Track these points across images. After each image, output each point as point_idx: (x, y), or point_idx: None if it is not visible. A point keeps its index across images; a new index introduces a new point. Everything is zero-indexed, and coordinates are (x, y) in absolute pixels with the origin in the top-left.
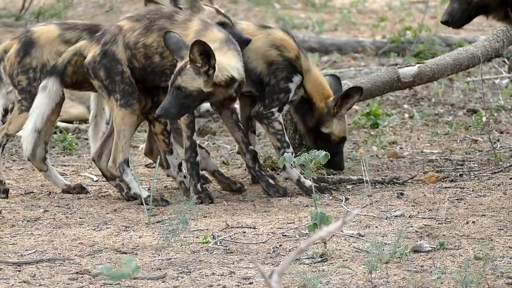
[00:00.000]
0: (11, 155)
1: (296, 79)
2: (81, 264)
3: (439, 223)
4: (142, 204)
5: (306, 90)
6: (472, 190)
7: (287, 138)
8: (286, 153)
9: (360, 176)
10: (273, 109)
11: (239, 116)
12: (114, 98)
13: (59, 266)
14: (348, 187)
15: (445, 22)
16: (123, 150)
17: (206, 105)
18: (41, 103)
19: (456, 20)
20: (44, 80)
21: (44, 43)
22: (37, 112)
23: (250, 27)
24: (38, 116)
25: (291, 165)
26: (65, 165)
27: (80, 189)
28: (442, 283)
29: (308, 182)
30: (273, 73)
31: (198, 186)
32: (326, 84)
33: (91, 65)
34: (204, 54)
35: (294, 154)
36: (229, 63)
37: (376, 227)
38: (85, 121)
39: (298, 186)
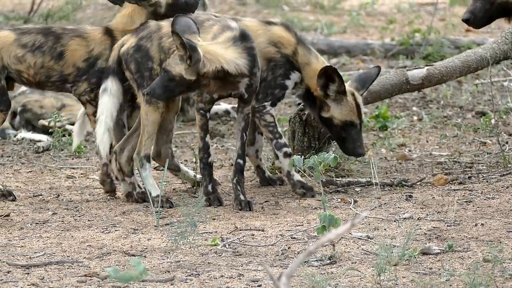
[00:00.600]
0: (20, 157)
1: (294, 76)
2: (89, 267)
3: (447, 226)
4: (152, 202)
5: (305, 82)
6: (481, 193)
7: (279, 129)
8: (277, 143)
9: (369, 179)
10: (265, 103)
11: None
12: (142, 92)
13: (68, 268)
14: (357, 189)
15: (466, 20)
16: (145, 145)
17: (214, 108)
18: (107, 103)
19: (478, 19)
20: (102, 84)
21: (1, 48)
22: (106, 114)
23: (253, 23)
24: (107, 117)
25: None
26: (73, 168)
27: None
28: (451, 285)
29: (297, 177)
30: (271, 69)
31: (209, 187)
32: None
33: (124, 56)
34: (181, 44)
35: (287, 145)
36: (223, 55)
37: (385, 229)
38: None
39: (287, 178)
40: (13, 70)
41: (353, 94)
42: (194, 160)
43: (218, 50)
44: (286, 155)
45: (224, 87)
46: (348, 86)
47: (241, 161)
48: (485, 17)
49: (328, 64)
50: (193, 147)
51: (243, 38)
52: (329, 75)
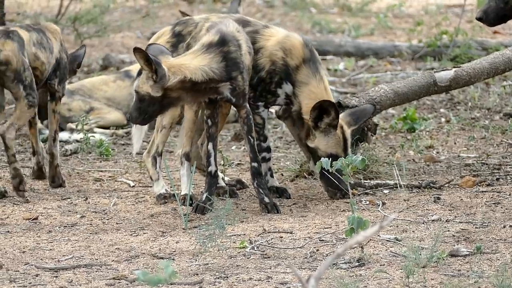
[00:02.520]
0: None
1: (286, 87)
2: (118, 270)
3: (476, 227)
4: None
5: (299, 100)
6: (509, 194)
7: (265, 132)
8: (260, 145)
9: (397, 181)
10: (259, 103)
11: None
12: None
13: (96, 271)
14: (385, 191)
15: (479, 19)
16: (184, 143)
17: None
18: None
19: (490, 18)
20: None
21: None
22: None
23: (277, 29)
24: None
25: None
26: (101, 171)
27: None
28: (479, 287)
29: (271, 182)
30: (270, 73)
31: (205, 195)
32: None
33: None
34: (146, 61)
35: (269, 150)
36: (187, 65)
37: (413, 231)
38: (122, 126)
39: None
40: None
41: (342, 127)
42: (222, 162)
43: (183, 61)
44: (264, 160)
45: (202, 95)
46: (340, 118)
47: (255, 164)
48: (498, 16)
49: (326, 99)
50: (220, 149)
51: (221, 42)
52: (325, 108)
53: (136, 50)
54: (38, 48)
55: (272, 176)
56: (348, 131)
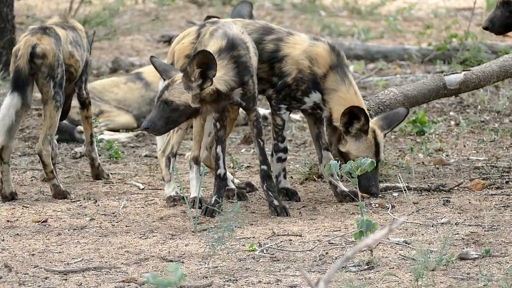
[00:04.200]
0: (57, 163)
1: (314, 95)
2: (127, 273)
3: (485, 230)
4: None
5: (329, 107)
6: None
7: (284, 133)
8: (277, 145)
9: (406, 184)
10: (282, 105)
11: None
12: None
13: (106, 274)
14: (394, 194)
15: (485, 28)
16: (193, 147)
17: None
18: None
19: (496, 27)
20: None
21: None
22: None
23: (302, 37)
24: None
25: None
26: (111, 173)
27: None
28: None
29: (283, 183)
30: (297, 80)
31: (213, 198)
32: (359, 105)
33: None
34: (203, 65)
35: (286, 150)
36: (217, 76)
37: (422, 234)
38: (132, 129)
39: (275, 179)
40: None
41: (374, 132)
42: (231, 165)
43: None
44: (280, 159)
45: (220, 104)
46: (372, 122)
47: (264, 167)
48: (504, 24)
49: (356, 105)
50: (230, 152)
51: (230, 47)
52: (355, 114)
53: (202, 52)
54: (74, 46)
55: (285, 177)
56: (380, 135)
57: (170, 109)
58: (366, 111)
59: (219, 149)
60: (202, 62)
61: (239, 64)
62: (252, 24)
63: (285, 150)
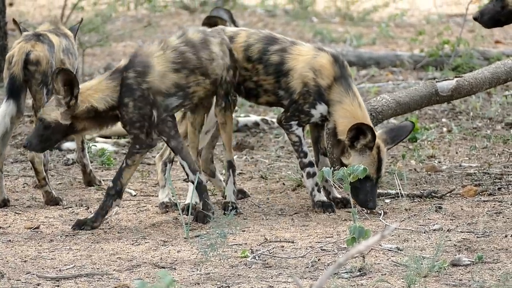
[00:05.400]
0: (49, 170)
1: (320, 107)
2: (119, 279)
3: (477, 237)
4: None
5: (332, 119)
6: (511, 204)
7: (304, 148)
8: (301, 162)
9: (398, 190)
10: (292, 122)
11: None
12: None
13: (98, 281)
14: (386, 201)
15: (474, 18)
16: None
17: (244, 120)
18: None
19: (485, 19)
20: None
21: None
22: None
23: (306, 48)
24: None
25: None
26: (103, 180)
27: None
28: None
29: (318, 197)
30: (303, 94)
31: (203, 205)
32: (363, 118)
33: None
34: (68, 84)
35: (312, 164)
36: (92, 95)
37: (415, 241)
38: (124, 136)
39: (310, 196)
40: None
41: (378, 147)
42: (223, 171)
43: (88, 88)
44: (309, 175)
45: (100, 123)
46: (377, 136)
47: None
48: (493, 18)
49: (360, 117)
50: (222, 158)
51: (124, 68)
52: (363, 130)
53: (62, 71)
54: (65, 54)
55: (319, 191)
56: (384, 151)
57: (43, 126)
58: (374, 129)
59: (182, 155)
60: (66, 79)
61: (124, 86)
62: (256, 34)
63: (311, 165)
